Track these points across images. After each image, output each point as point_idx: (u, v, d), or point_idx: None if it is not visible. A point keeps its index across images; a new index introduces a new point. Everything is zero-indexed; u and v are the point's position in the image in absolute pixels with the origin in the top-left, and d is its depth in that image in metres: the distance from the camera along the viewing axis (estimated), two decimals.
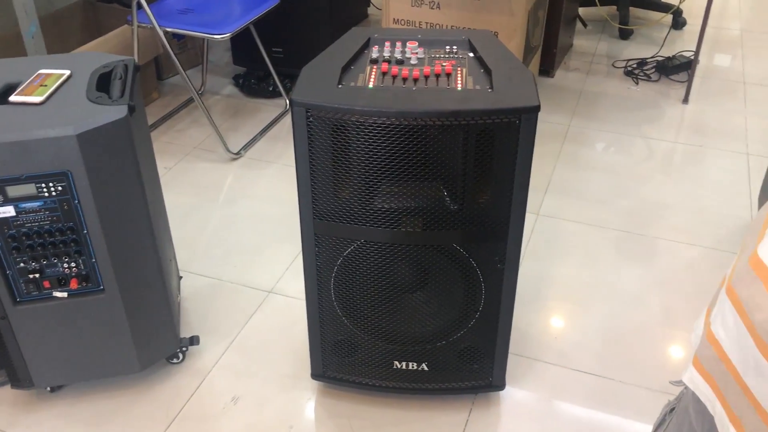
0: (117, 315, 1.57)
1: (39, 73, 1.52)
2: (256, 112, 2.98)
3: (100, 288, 1.54)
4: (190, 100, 3.02)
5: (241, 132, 2.83)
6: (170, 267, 1.79)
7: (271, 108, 3.00)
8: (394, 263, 1.51)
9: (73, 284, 1.52)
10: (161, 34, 2.48)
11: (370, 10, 3.78)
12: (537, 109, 1.33)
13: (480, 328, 1.58)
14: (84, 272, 1.52)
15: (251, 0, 2.69)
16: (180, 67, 2.56)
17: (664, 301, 1.93)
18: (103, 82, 1.51)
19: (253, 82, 3.09)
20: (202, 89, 3.11)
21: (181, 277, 2.03)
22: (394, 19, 2.48)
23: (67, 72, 1.53)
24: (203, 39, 2.59)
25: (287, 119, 2.93)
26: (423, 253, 1.49)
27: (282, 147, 2.74)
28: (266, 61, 2.91)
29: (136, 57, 2.61)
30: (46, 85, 1.47)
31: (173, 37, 3.02)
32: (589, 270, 2.12)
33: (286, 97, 3.00)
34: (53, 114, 1.40)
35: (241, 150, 2.70)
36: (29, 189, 1.40)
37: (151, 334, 1.67)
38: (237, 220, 2.35)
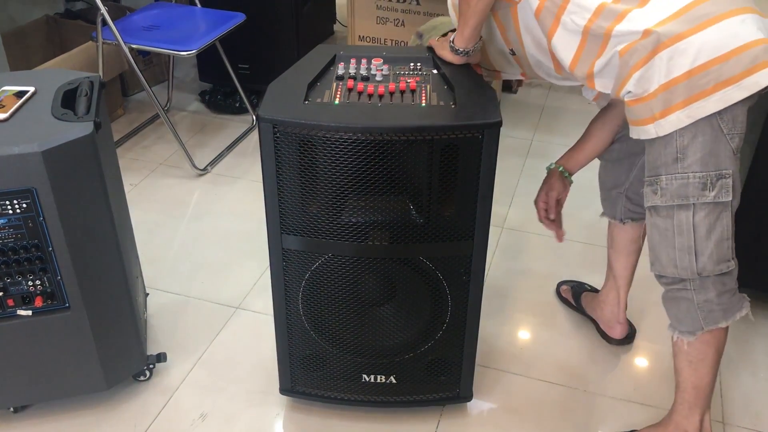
0: (83, 333, 1.56)
1: (3, 90, 1.51)
2: (222, 128, 2.98)
3: (66, 306, 1.53)
4: (156, 117, 3.01)
5: (207, 148, 2.83)
6: (136, 284, 1.78)
7: (237, 124, 3.00)
8: (362, 277, 1.52)
9: (38, 302, 1.51)
10: (126, 50, 2.47)
11: (336, 27, 3.81)
12: (499, 124, 1.37)
13: (447, 340, 1.60)
14: (49, 290, 1.51)
15: (217, 17, 2.70)
16: (145, 84, 2.56)
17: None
18: (68, 99, 1.51)
19: (220, 98, 3.09)
20: (168, 105, 3.11)
21: (147, 294, 2.01)
22: (359, 36, 2.51)
23: (32, 89, 1.52)
24: (169, 55, 2.59)
25: (254, 135, 2.93)
26: (390, 267, 1.51)
27: (249, 163, 2.75)
28: (232, 77, 2.92)
29: (101, 73, 2.60)
30: (10, 102, 1.46)
31: (138, 54, 3.01)
32: (554, 282, 2.15)
33: (252, 113, 3.01)
34: (18, 131, 1.40)
35: (207, 166, 2.70)
36: None
37: (117, 352, 1.65)
38: (204, 236, 2.35)
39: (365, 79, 1.51)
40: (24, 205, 1.40)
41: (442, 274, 1.52)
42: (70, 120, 1.43)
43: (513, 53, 1.56)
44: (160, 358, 1.80)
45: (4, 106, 1.45)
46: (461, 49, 1.50)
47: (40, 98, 1.50)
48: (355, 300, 1.55)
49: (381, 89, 1.46)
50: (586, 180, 1.87)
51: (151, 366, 1.78)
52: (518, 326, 2.02)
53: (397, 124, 1.34)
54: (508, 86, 3.26)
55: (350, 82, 1.49)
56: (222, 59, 2.87)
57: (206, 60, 3.09)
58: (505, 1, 1.47)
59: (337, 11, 3.79)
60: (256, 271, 2.18)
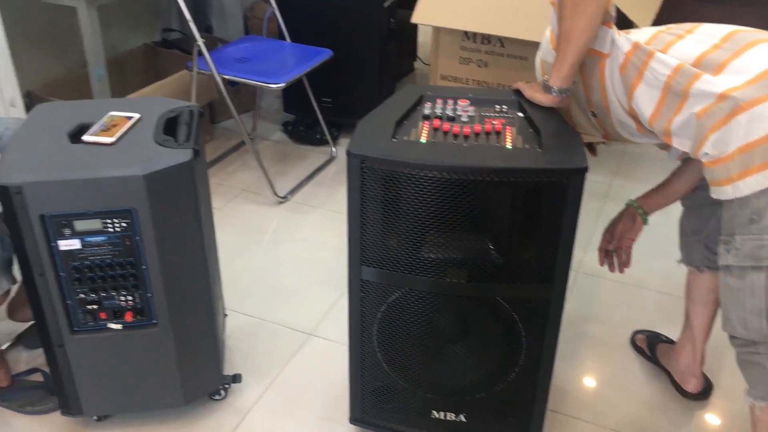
0: (167, 349, 1.63)
1: (110, 115, 1.61)
2: (303, 158, 3.07)
3: (153, 322, 1.60)
4: (241, 144, 3.13)
5: (288, 177, 2.92)
6: (218, 305, 1.84)
7: (317, 155, 3.09)
8: (437, 313, 1.54)
9: (128, 317, 1.59)
10: (219, 81, 2.59)
11: (416, 64, 3.88)
12: (585, 170, 1.38)
13: (519, 382, 1.60)
14: (139, 306, 1.58)
15: (305, 52, 2.80)
16: (235, 113, 2.67)
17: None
18: (169, 126, 1.60)
19: (302, 130, 3.19)
20: (252, 134, 3.22)
21: (226, 315, 2.08)
22: (441, 75, 2.56)
23: (137, 115, 1.62)
24: (257, 87, 2.70)
25: (333, 166, 3.01)
26: (466, 305, 1.53)
27: (326, 193, 2.82)
28: (315, 109, 3.01)
29: (194, 101, 2.72)
30: (116, 126, 1.56)
31: (228, 84, 3.14)
32: (628, 330, 2.12)
33: (332, 145, 3.09)
34: (122, 154, 1.49)
35: (287, 194, 2.78)
36: (95, 224, 1.48)
37: (197, 370, 1.72)
38: (281, 262, 2.41)
39: (451, 119, 1.54)
40: (124, 225, 1.48)
41: (518, 315, 1.52)
42: (171, 146, 1.51)
43: (594, 115, 1.58)
44: (236, 378, 1.85)
45: (111, 130, 1.54)
46: (556, 88, 1.51)
47: (144, 124, 1.60)
48: (429, 336, 1.57)
49: (467, 130, 1.49)
50: (667, 228, 1.85)
51: (226, 386, 1.84)
52: (591, 373, 1.99)
53: (482, 165, 1.37)
54: (590, 147, 3.24)
55: (436, 122, 1.52)
56: (306, 92, 2.97)
57: (291, 92, 3.19)
58: (595, 54, 1.49)
59: (418, 49, 3.87)
60: (330, 298, 2.22)
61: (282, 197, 2.76)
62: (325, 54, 2.78)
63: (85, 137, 1.52)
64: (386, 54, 3.04)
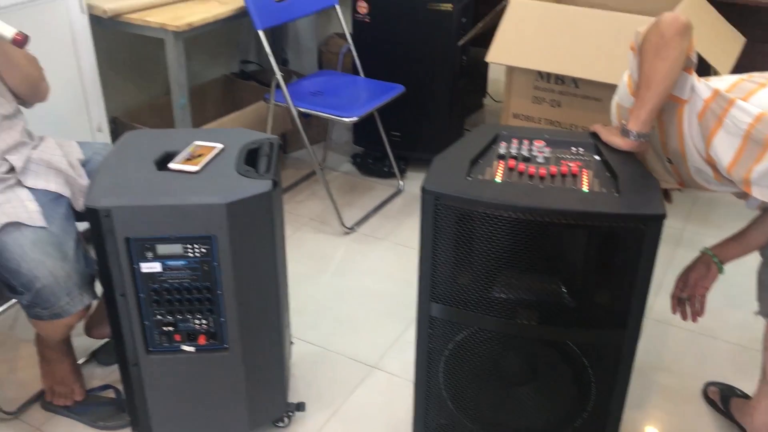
0: (236, 374, 1.66)
1: (195, 145, 1.68)
2: (370, 190, 3.11)
3: (225, 346, 1.64)
4: (311, 174, 3.19)
5: (355, 208, 2.96)
6: (286, 332, 1.88)
7: (385, 187, 3.12)
8: (506, 354, 1.53)
9: (202, 340, 1.63)
10: (295, 113, 2.66)
11: (486, 100, 3.90)
12: (663, 217, 1.36)
13: (588, 428, 1.57)
14: (212, 330, 1.63)
15: (378, 87, 2.86)
16: (308, 144, 2.73)
17: None
18: (250, 157, 1.65)
19: (370, 162, 3.23)
20: (322, 165, 3.28)
21: (292, 343, 2.11)
22: (513, 113, 2.57)
23: (220, 145, 1.68)
24: (330, 119, 2.76)
25: (399, 199, 3.04)
26: (536, 347, 1.52)
27: (393, 225, 2.84)
28: (385, 143, 3.06)
29: (269, 132, 2.80)
30: (201, 156, 1.62)
31: (301, 115, 3.22)
32: (699, 381, 2.05)
33: (400, 178, 3.12)
34: (206, 183, 1.54)
35: (354, 225, 2.82)
36: (176, 248, 1.53)
37: (263, 396, 1.74)
38: (346, 293, 2.44)
39: (526, 159, 1.55)
40: (203, 250, 1.53)
41: (589, 360, 1.50)
42: (251, 177, 1.56)
43: (670, 161, 1.56)
44: (300, 407, 1.87)
45: (195, 159, 1.61)
46: (635, 132, 1.51)
47: (227, 154, 1.65)
48: (497, 376, 1.56)
49: (542, 171, 1.49)
50: (743, 278, 1.80)
51: (290, 413, 1.86)
52: (660, 423, 1.93)
53: (558, 207, 1.37)
54: (664, 194, 3.18)
55: (512, 162, 1.53)
56: (376, 125, 3.02)
57: (361, 125, 3.24)
58: (673, 100, 1.48)
59: (488, 85, 3.89)
60: (394, 332, 2.23)
61: (349, 228, 2.79)
62: (397, 89, 2.82)
63: (171, 165, 1.58)
64: (457, 90, 3.07)
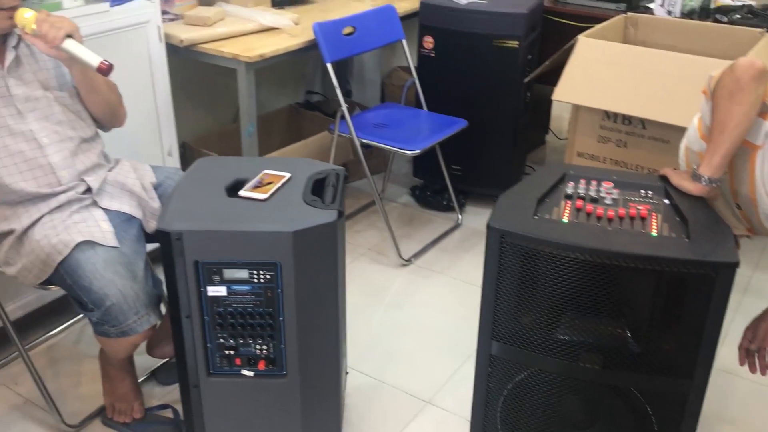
0: (293, 401, 1.68)
1: (264, 173, 1.72)
2: (428, 223, 3.11)
3: (283, 373, 1.66)
4: (369, 205, 3.22)
5: (413, 240, 2.96)
6: (342, 362, 1.88)
7: (443, 221, 3.12)
8: (567, 397, 1.51)
9: (261, 365, 1.65)
10: (358, 144, 2.70)
11: (548, 137, 3.88)
12: (736, 265, 1.33)
13: None
14: (272, 356, 1.64)
15: (441, 121, 2.88)
16: (369, 175, 2.76)
17: None
18: (317, 187, 1.68)
19: (429, 195, 3.24)
20: (381, 196, 3.31)
21: (347, 373, 2.12)
22: (578, 152, 2.55)
23: (288, 174, 1.71)
24: (391, 151, 2.79)
25: (457, 233, 3.03)
26: (598, 392, 1.48)
27: (450, 259, 2.83)
28: (445, 176, 3.06)
29: (332, 161, 2.84)
30: (270, 184, 1.66)
31: (363, 146, 3.26)
32: None
33: (458, 212, 3.12)
34: (273, 211, 1.58)
35: (411, 257, 2.82)
36: (242, 273, 1.56)
37: (318, 424, 1.75)
38: (401, 325, 2.44)
39: (594, 200, 1.54)
40: (268, 277, 1.56)
41: (652, 409, 1.46)
42: (317, 206, 1.59)
43: (739, 207, 1.53)
44: None
45: (264, 187, 1.64)
46: (706, 177, 1.48)
47: (294, 184, 1.69)
48: (556, 419, 1.54)
49: (610, 213, 1.48)
50: None
51: None
52: None
53: (626, 251, 1.35)
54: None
55: (579, 202, 1.52)
56: (436, 158, 3.03)
57: (421, 157, 3.26)
58: (746, 145, 1.45)
59: (550, 122, 3.87)
60: (450, 368, 2.22)
61: (406, 260, 2.80)
62: (460, 124, 2.84)
63: (241, 192, 1.62)
64: (520, 127, 3.07)
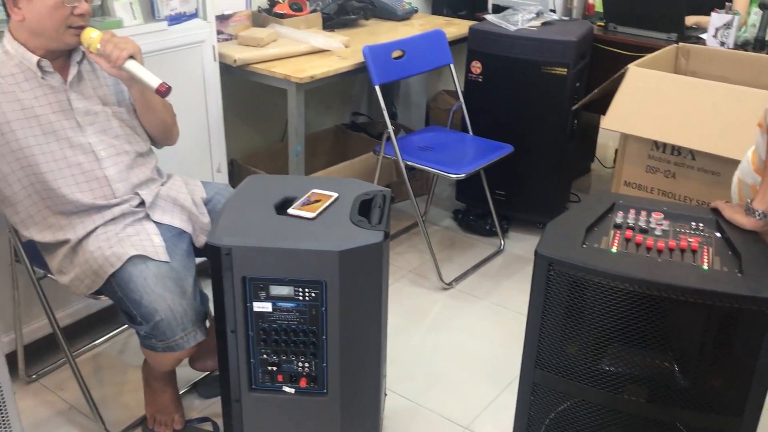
0: (333, 420, 1.68)
1: (312, 192, 1.74)
2: (470, 247, 3.11)
3: (324, 391, 1.66)
4: (411, 227, 3.22)
5: (454, 264, 2.95)
6: (382, 383, 1.88)
7: (485, 246, 3.11)
8: (610, 429, 1.48)
9: (302, 383, 1.66)
10: (402, 166, 2.72)
11: (593, 164, 3.85)
12: None
13: None
14: (313, 374, 1.65)
15: (486, 146, 2.88)
16: (413, 197, 2.78)
17: None
18: (363, 208, 1.70)
19: (472, 219, 3.23)
20: (423, 218, 3.31)
21: (386, 395, 2.11)
22: (625, 181, 2.52)
23: (335, 195, 1.73)
24: (435, 174, 2.80)
25: (500, 258, 3.01)
26: (642, 426, 1.46)
27: (491, 285, 2.82)
28: (488, 201, 3.05)
29: (376, 182, 2.86)
30: (318, 203, 1.68)
31: (406, 168, 3.28)
32: None
33: (501, 238, 3.10)
34: (320, 230, 1.59)
35: (452, 281, 2.81)
36: (288, 291, 1.58)
37: None
38: (441, 349, 2.43)
39: (644, 231, 1.52)
40: (313, 295, 1.58)
41: None
42: (364, 227, 1.60)
43: None
44: None
45: (312, 206, 1.66)
46: (761, 212, 1.46)
47: (341, 203, 1.70)
48: None
49: (660, 244, 1.46)
50: None
51: None
52: None
53: (677, 283, 1.33)
54: None
55: (628, 233, 1.51)
56: (479, 182, 3.02)
57: (465, 181, 3.24)
58: None
59: (596, 150, 3.84)
60: (489, 394, 2.20)
61: (447, 284, 2.79)
62: (506, 149, 2.84)
63: (290, 210, 1.65)
64: (566, 154, 3.05)
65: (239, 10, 2.81)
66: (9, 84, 1.72)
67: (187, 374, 2.15)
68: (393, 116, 3.72)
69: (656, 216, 1.56)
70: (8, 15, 1.72)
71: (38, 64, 1.74)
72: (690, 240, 1.47)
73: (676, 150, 2.40)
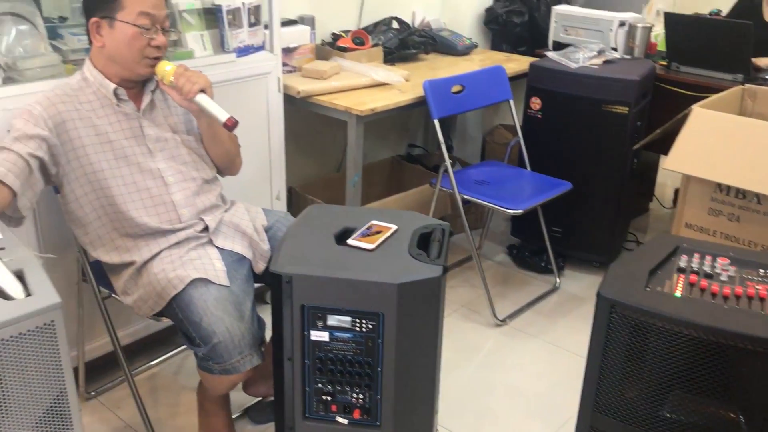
0: None
1: (371, 224, 1.76)
2: (525, 284, 3.08)
3: (377, 424, 1.66)
4: (465, 260, 3.21)
5: (507, 300, 2.93)
6: (435, 418, 1.87)
7: (540, 283, 3.08)
8: None
9: (356, 414, 1.66)
10: (459, 200, 2.72)
11: (652, 204, 3.79)
12: None
13: None
14: (367, 405, 1.65)
15: (544, 182, 2.86)
16: (468, 230, 2.77)
17: None
18: (422, 241, 1.71)
19: (527, 255, 3.21)
20: (477, 252, 3.30)
21: (437, 430, 2.10)
22: (686, 223, 2.48)
23: (394, 227, 1.74)
24: (490, 209, 2.80)
25: (555, 296, 2.98)
26: None
27: (545, 323, 2.78)
28: (545, 238, 3.03)
29: (431, 214, 2.88)
30: (377, 234, 1.69)
31: (462, 202, 3.28)
32: None
33: (557, 275, 3.07)
34: (379, 261, 1.61)
35: (506, 318, 2.79)
36: (345, 321, 1.59)
37: None
38: (492, 387, 2.40)
39: (709, 276, 1.49)
40: (370, 326, 1.58)
41: None
42: (423, 261, 1.61)
43: None
44: None
45: (372, 237, 1.68)
46: None
47: (400, 236, 1.72)
48: None
49: (726, 290, 1.43)
50: None
51: None
52: None
53: (744, 332, 1.30)
54: None
55: (693, 277, 1.48)
56: (535, 218, 3.00)
57: (521, 217, 3.25)
58: None
59: (655, 189, 3.78)
60: None
61: (500, 320, 2.77)
62: (564, 186, 2.82)
63: (350, 241, 1.66)
64: (625, 193, 3.01)
65: (304, 44, 2.88)
66: (86, 110, 1.80)
67: (240, 399, 2.17)
68: (449, 149, 3.71)
69: (722, 261, 1.53)
70: (90, 42, 1.81)
71: (114, 92, 1.81)
72: (758, 287, 1.44)
73: (741, 193, 2.34)
